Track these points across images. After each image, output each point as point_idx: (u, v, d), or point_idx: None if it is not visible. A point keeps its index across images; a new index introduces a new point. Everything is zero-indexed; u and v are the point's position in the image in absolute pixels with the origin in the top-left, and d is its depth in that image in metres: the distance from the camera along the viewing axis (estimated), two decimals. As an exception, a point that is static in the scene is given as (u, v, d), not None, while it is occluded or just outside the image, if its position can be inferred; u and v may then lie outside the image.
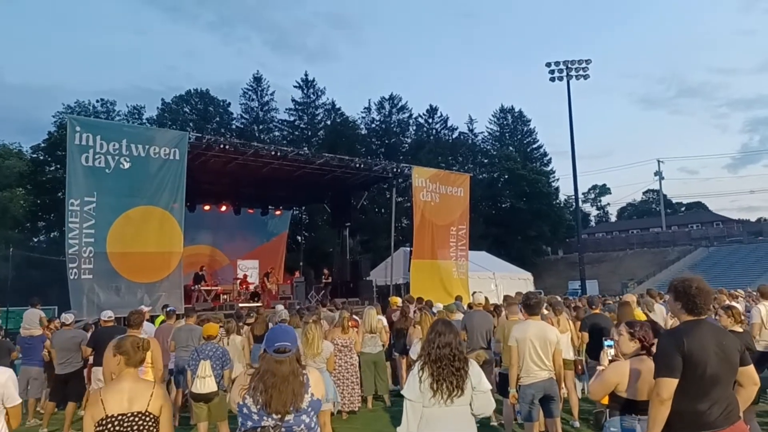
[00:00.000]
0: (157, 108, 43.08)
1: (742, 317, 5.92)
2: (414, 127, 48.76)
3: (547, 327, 5.14)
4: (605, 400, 3.38)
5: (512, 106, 53.42)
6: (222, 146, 13.50)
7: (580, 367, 7.22)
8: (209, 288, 15.69)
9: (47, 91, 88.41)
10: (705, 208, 72.45)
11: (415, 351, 6.88)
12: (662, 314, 7.75)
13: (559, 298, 11.19)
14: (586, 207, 77.14)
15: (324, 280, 17.81)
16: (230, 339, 7.44)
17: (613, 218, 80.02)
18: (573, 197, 40.33)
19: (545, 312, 7.25)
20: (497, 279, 21.75)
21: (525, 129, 53.17)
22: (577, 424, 6.56)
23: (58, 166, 29.83)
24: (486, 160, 49.50)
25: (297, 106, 44.89)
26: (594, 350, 6.43)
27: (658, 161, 62.10)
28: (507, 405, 5.72)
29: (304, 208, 29.15)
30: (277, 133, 44.20)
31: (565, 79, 32.67)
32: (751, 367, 3.00)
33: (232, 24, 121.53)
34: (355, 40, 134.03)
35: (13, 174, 32.12)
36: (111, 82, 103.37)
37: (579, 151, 43.42)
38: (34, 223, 33.58)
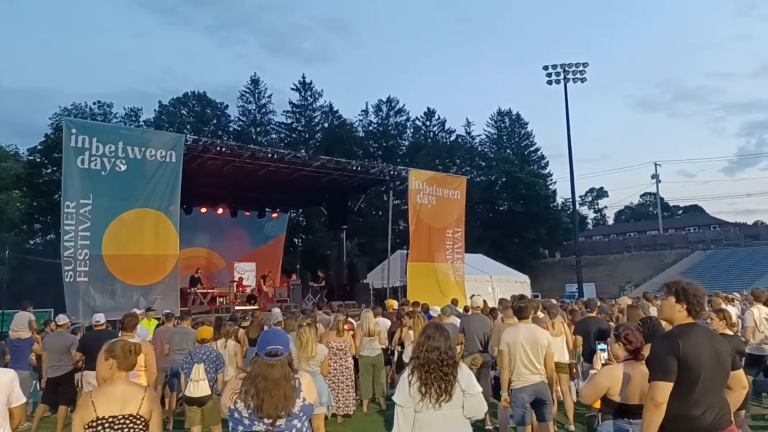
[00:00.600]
0: (154, 110, 42.99)
1: (734, 321, 5.94)
2: (411, 130, 48.70)
3: (538, 330, 5.10)
4: (597, 404, 3.39)
5: (510, 109, 53.38)
6: (219, 148, 13.51)
7: (575, 371, 7.22)
8: (205, 291, 15.62)
9: (44, 93, 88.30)
10: (702, 211, 72.57)
11: (407, 354, 6.88)
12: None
13: (555, 301, 11.23)
14: (584, 210, 77.24)
15: (317, 284, 17.71)
16: (226, 343, 7.40)
17: (610, 221, 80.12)
18: (570, 200, 40.46)
19: (540, 315, 7.27)
20: (494, 282, 21.68)
21: (522, 132, 53.14)
22: (572, 427, 6.54)
23: (55, 168, 29.71)
24: (483, 163, 49.44)
25: (294, 109, 44.81)
26: (589, 354, 6.44)
27: (655, 164, 62.00)
28: (502, 409, 5.72)
29: (301, 210, 29.15)
30: (274, 136, 44.12)
31: (562, 82, 32.68)
32: (741, 371, 3.04)
33: (230, 27, 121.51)
34: (353, 43, 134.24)
35: (9, 176, 31.98)
36: (108, 84, 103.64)
37: (576, 154, 43.44)
38: (30, 225, 33.46)
